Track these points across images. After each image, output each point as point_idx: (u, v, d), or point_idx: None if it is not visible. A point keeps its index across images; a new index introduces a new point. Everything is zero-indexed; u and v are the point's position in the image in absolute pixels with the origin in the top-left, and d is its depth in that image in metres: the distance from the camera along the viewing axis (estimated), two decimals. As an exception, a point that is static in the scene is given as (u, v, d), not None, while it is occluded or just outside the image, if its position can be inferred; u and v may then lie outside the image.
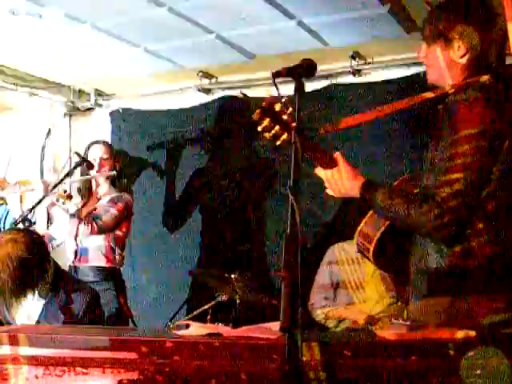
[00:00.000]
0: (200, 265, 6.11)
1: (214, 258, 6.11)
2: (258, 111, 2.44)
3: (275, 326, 2.63)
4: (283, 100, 2.44)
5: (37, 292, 3.67)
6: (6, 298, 3.55)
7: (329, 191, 2.90)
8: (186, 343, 2.40)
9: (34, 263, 3.58)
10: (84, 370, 2.41)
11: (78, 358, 2.42)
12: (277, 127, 2.45)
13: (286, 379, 2.18)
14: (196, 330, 2.61)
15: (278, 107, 2.43)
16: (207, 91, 6.41)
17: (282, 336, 2.38)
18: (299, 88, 2.46)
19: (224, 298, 4.90)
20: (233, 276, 4.80)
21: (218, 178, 6.26)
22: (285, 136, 2.46)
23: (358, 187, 2.76)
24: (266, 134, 2.49)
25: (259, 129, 2.46)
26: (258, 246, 6.03)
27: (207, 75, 6.25)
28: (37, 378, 2.46)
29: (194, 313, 4.93)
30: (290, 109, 2.44)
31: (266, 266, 5.95)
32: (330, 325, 4.97)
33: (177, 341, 2.41)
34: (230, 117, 6.28)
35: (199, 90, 6.36)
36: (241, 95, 5.98)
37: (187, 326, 2.65)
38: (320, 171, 2.84)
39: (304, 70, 2.48)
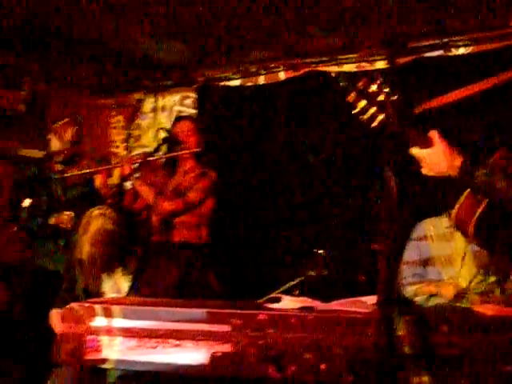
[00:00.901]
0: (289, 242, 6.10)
1: (301, 235, 6.09)
2: (353, 94, 2.40)
3: (369, 299, 2.59)
4: (379, 80, 2.39)
5: (125, 267, 3.71)
6: (96, 272, 3.60)
7: (424, 170, 2.83)
8: (279, 316, 2.38)
9: (123, 238, 3.62)
10: (177, 342, 2.41)
11: (172, 331, 2.42)
12: (373, 109, 2.40)
13: (381, 354, 2.14)
14: (288, 303, 2.59)
15: (374, 87, 2.38)
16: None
17: (376, 310, 2.34)
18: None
19: (312, 273, 4.87)
20: (321, 251, 4.77)
21: (307, 155, 6.23)
22: (381, 117, 2.41)
23: (456, 166, 2.68)
24: (362, 117, 2.44)
25: (354, 112, 2.42)
26: (346, 222, 5.98)
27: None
28: (130, 349, 2.47)
29: (282, 287, 4.91)
30: (387, 89, 2.38)
31: (354, 241, 5.89)
32: (420, 301, 4.89)
33: (270, 314, 2.39)
34: (318, 92, 6.23)
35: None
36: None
37: (279, 300, 2.63)
38: (416, 150, 2.77)
39: None
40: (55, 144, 5.58)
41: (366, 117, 2.43)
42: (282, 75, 6.62)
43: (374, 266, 4.83)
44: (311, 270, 4.89)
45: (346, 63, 6.27)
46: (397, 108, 2.35)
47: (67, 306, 2.58)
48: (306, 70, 6.43)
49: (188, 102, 7.20)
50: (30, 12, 5.47)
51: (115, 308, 2.51)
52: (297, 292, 4.76)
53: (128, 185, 5.42)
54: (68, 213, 5.24)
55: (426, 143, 2.72)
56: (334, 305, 2.63)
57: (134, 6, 5.34)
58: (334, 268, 4.85)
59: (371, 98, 2.37)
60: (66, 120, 5.64)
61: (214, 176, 5.35)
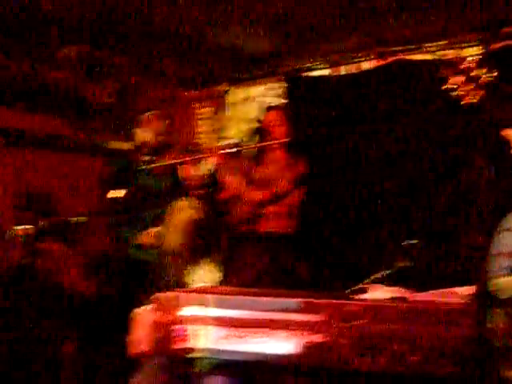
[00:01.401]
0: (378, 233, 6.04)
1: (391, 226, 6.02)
2: (446, 70, 2.36)
3: (463, 290, 2.53)
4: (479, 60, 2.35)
5: (213, 257, 3.71)
6: (183, 263, 3.61)
7: None
8: (371, 307, 2.34)
9: (210, 229, 3.63)
10: (267, 332, 2.40)
11: (262, 320, 2.41)
12: (469, 86, 2.35)
13: (474, 345, 2.09)
14: (380, 293, 2.56)
15: (472, 65, 2.33)
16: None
17: (470, 301, 2.28)
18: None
19: (402, 264, 4.80)
20: (411, 242, 4.69)
21: (396, 144, 6.16)
22: (475, 94, 2.36)
23: None
24: (456, 93, 2.39)
25: (448, 86, 2.37)
26: (437, 212, 5.88)
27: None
28: (219, 338, 2.47)
29: (372, 277, 4.85)
30: (484, 68, 2.34)
31: (444, 231, 5.79)
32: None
33: (362, 304, 2.35)
34: (406, 81, 6.14)
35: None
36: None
37: (371, 290, 2.59)
38: (509, 131, 2.69)
39: None
40: (143, 135, 5.63)
41: (457, 94, 2.39)
42: (371, 64, 6.56)
43: (466, 256, 4.75)
44: (401, 261, 4.81)
45: (436, 51, 6.16)
46: (493, 86, 2.30)
47: (156, 296, 2.60)
48: (395, 58, 6.35)
49: (275, 92, 7.20)
50: (117, 5, 5.54)
51: (204, 297, 2.51)
52: (386, 283, 4.70)
53: (215, 175, 5.43)
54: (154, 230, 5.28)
55: None
56: (427, 295, 2.58)
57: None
58: (424, 259, 4.76)
59: (467, 75, 2.33)
60: (154, 112, 5.69)
61: (302, 166, 5.33)
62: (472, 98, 2.39)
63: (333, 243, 6.32)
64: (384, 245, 5.47)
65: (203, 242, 3.60)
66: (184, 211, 3.61)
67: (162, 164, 5.45)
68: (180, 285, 3.72)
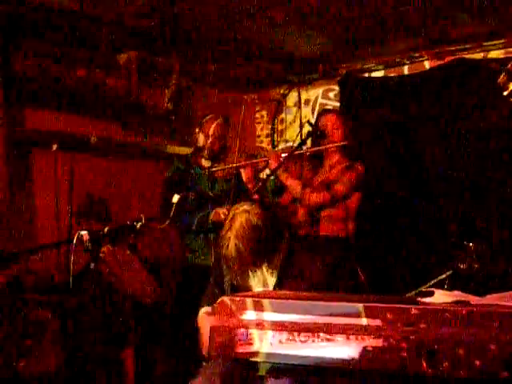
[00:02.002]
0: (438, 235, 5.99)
1: (451, 228, 5.96)
2: (503, 75, 2.33)
3: (526, 293, 2.50)
4: None
5: (271, 262, 3.69)
6: (241, 268, 3.60)
7: None
8: (432, 311, 2.31)
9: (268, 234, 3.61)
10: (328, 337, 2.39)
11: (323, 324, 2.40)
12: None
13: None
14: (442, 297, 2.53)
15: None
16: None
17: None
18: None
19: (462, 266, 4.76)
20: (471, 244, 4.66)
21: (455, 144, 6.10)
22: None
23: None
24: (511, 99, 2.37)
25: (505, 93, 2.35)
26: (497, 213, 5.81)
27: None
28: (281, 342, 2.47)
29: (432, 282, 4.82)
30: None
31: (504, 234, 5.72)
32: None
33: (422, 308, 2.33)
34: (465, 80, 6.08)
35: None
36: None
37: (432, 294, 2.57)
38: None
39: None
40: (202, 139, 5.66)
41: None
42: (427, 64, 6.52)
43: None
44: (461, 264, 4.77)
45: (493, 49, 6.10)
46: None
47: (219, 300, 2.61)
48: (452, 58, 6.30)
49: (331, 94, 7.20)
50: (174, 11, 5.60)
51: (266, 301, 2.51)
52: (446, 286, 4.67)
53: (275, 179, 5.44)
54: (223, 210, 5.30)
55: None
56: (490, 299, 2.54)
57: (277, 1, 5.37)
58: (484, 261, 4.71)
59: None
60: (212, 115, 5.72)
61: (360, 169, 5.30)
62: None
63: (392, 246, 6.28)
64: (444, 246, 5.41)
65: (261, 247, 3.58)
66: (241, 216, 3.59)
67: (222, 168, 5.48)
68: (239, 289, 3.73)
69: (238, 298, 2.55)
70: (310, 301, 2.54)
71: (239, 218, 3.57)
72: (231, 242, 3.54)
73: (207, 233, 5.48)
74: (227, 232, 3.58)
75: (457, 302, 2.44)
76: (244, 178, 5.36)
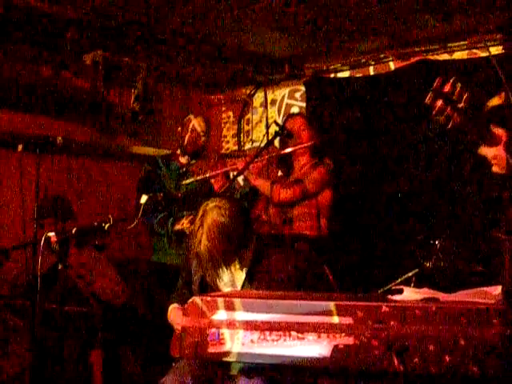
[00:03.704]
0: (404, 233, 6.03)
1: (416, 226, 6.01)
2: (429, 95, 2.41)
3: (493, 290, 2.54)
4: (452, 79, 2.40)
5: (242, 259, 3.68)
6: (213, 265, 3.59)
7: (495, 168, 2.75)
8: (402, 308, 2.34)
9: (239, 230, 3.60)
10: (299, 335, 2.41)
11: (294, 323, 2.41)
12: (448, 108, 2.39)
13: (506, 344, 2.09)
14: (411, 294, 2.56)
15: (447, 87, 2.38)
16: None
17: (501, 300, 2.29)
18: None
19: (428, 264, 4.80)
20: (437, 242, 4.70)
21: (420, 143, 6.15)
22: (456, 116, 2.40)
23: None
24: (439, 118, 2.44)
25: (434, 113, 2.43)
26: (460, 212, 5.87)
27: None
28: (252, 342, 2.48)
29: (398, 280, 4.86)
30: (459, 87, 2.38)
31: (469, 231, 5.78)
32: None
33: (393, 306, 2.35)
34: (429, 81, 6.13)
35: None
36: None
37: (401, 291, 2.60)
38: (484, 150, 2.71)
39: None
40: (184, 137, 5.71)
41: (443, 117, 2.43)
42: (392, 65, 6.57)
43: (492, 255, 4.73)
44: (427, 261, 4.82)
45: (458, 50, 6.16)
46: (469, 107, 2.34)
47: (190, 300, 2.61)
48: (417, 59, 6.35)
49: (297, 95, 7.23)
50: (141, 11, 5.58)
51: (237, 301, 2.51)
52: (413, 284, 4.71)
53: (244, 179, 5.45)
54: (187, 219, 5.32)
55: (495, 141, 2.66)
56: (458, 295, 2.58)
57: (243, 2, 5.37)
58: (450, 258, 4.76)
59: (446, 98, 2.37)
60: (192, 114, 5.77)
61: (330, 164, 5.32)
62: (449, 118, 2.44)
63: (359, 245, 6.32)
64: (410, 245, 5.45)
65: (232, 244, 3.57)
66: (212, 212, 3.57)
67: (193, 180, 5.47)
68: (209, 288, 3.73)
69: (208, 298, 2.56)
70: (281, 300, 2.55)
71: (210, 214, 3.56)
72: (203, 239, 3.53)
73: (172, 232, 5.49)
74: (198, 229, 3.57)
75: (426, 299, 2.48)
76: (215, 187, 5.35)
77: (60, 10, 5.55)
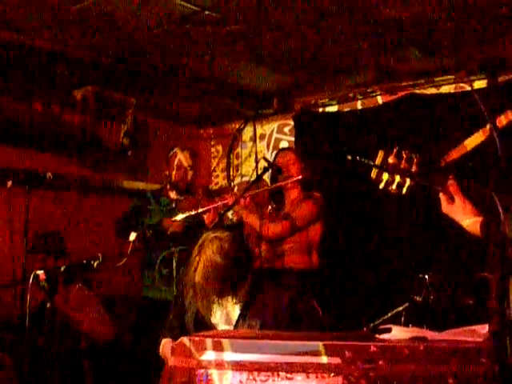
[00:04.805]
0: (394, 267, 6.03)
1: (406, 260, 6.01)
2: (373, 172, 2.46)
3: (481, 328, 2.54)
4: (395, 149, 2.44)
5: (236, 294, 3.64)
6: (208, 298, 3.57)
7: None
8: (391, 347, 2.34)
9: (239, 264, 3.57)
10: (288, 375, 2.40)
11: (282, 363, 2.40)
12: (397, 177, 2.43)
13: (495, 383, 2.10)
14: (399, 333, 2.56)
15: (391, 159, 2.42)
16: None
17: (489, 339, 2.28)
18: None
19: (418, 298, 4.79)
20: (426, 276, 4.70)
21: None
22: (408, 182, 2.45)
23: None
24: (390, 188, 2.47)
25: (381, 187, 2.47)
26: (450, 247, 5.87)
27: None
28: (241, 382, 2.47)
29: (388, 314, 4.85)
30: (405, 154, 2.43)
31: (459, 265, 5.78)
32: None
33: (381, 345, 2.35)
34: (417, 116, 6.17)
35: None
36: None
37: (390, 330, 2.59)
38: (446, 209, 2.68)
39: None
40: (170, 172, 5.72)
41: (393, 187, 2.47)
42: (379, 99, 6.61)
43: (482, 290, 4.74)
44: (417, 296, 4.81)
45: (444, 84, 6.21)
46: (422, 168, 2.37)
47: (178, 341, 2.60)
48: (404, 93, 6.40)
49: (286, 129, 7.26)
50: (130, 46, 5.62)
51: (226, 341, 2.50)
52: (403, 318, 4.70)
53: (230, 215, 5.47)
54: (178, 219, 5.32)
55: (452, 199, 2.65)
56: (446, 334, 2.58)
57: (231, 38, 5.41)
58: (440, 293, 4.76)
59: (392, 169, 2.41)
60: (177, 148, 5.78)
61: (319, 197, 5.34)
62: (401, 185, 2.48)
63: (349, 279, 6.31)
64: (400, 279, 5.45)
65: (230, 277, 3.54)
66: (212, 244, 3.55)
67: (189, 214, 5.47)
68: (202, 323, 3.70)
69: (197, 338, 2.55)
70: (269, 340, 2.55)
71: (210, 245, 3.53)
72: (199, 269, 3.51)
73: (162, 267, 5.50)
74: (195, 258, 3.54)
75: (414, 339, 2.47)
76: (206, 222, 5.34)
77: (50, 46, 5.58)
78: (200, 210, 5.35)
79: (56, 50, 5.65)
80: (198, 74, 6.31)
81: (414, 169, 2.52)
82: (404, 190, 2.50)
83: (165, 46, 5.59)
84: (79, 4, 4.79)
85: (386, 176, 2.48)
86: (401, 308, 4.80)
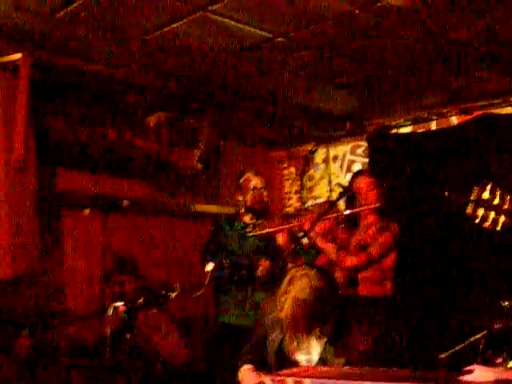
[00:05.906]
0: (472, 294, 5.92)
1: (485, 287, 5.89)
2: (470, 206, 2.50)
3: None
4: (489, 185, 2.48)
5: (323, 328, 3.61)
6: (295, 332, 3.55)
7: None
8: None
9: (327, 300, 3.56)
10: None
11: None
12: (492, 213, 2.45)
13: None
14: (482, 373, 2.50)
15: (486, 195, 2.46)
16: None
17: None
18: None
19: (497, 325, 4.69)
20: (506, 302, 4.60)
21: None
22: (503, 219, 2.47)
23: None
24: (485, 224, 2.50)
25: (477, 221, 2.49)
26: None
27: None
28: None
29: (467, 342, 4.75)
30: (498, 192, 2.47)
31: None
32: None
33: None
34: (493, 135, 6.07)
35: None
36: None
37: (472, 371, 2.54)
38: None
39: None
40: (243, 197, 5.72)
41: (488, 224, 2.49)
42: (454, 119, 6.53)
43: None
44: (496, 323, 4.71)
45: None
46: None
47: (258, 380, 2.60)
48: (479, 113, 6.30)
49: (360, 150, 7.22)
50: (202, 71, 5.68)
51: (307, 381, 2.50)
52: (481, 346, 4.60)
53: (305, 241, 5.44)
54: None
55: None
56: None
57: (303, 60, 5.42)
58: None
59: (487, 205, 2.44)
60: (248, 173, 5.77)
61: (395, 229, 5.28)
62: (496, 221, 2.51)
63: (425, 305, 6.21)
64: (478, 307, 5.35)
65: (321, 312, 3.53)
66: (300, 280, 3.55)
67: (259, 233, 5.48)
68: (284, 357, 3.67)
69: (278, 378, 2.54)
70: (351, 380, 2.52)
71: (299, 281, 3.54)
72: (286, 306, 3.51)
73: (239, 293, 5.52)
74: (283, 295, 3.55)
75: (498, 382, 2.42)
76: (280, 242, 5.34)
77: (122, 74, 5.67)
78: (274, 229, 5.35)
79: (128, 77, 5.74)
80: (269, 97, 6.33)
81: (506, 206, 2.56)
82: (499, 227, 2.53)
83: (237, 69, 5.63)
84: (155, 33, 4.87)
85: (481, 211, 2.50)
86: (479, 335, 4.70)
